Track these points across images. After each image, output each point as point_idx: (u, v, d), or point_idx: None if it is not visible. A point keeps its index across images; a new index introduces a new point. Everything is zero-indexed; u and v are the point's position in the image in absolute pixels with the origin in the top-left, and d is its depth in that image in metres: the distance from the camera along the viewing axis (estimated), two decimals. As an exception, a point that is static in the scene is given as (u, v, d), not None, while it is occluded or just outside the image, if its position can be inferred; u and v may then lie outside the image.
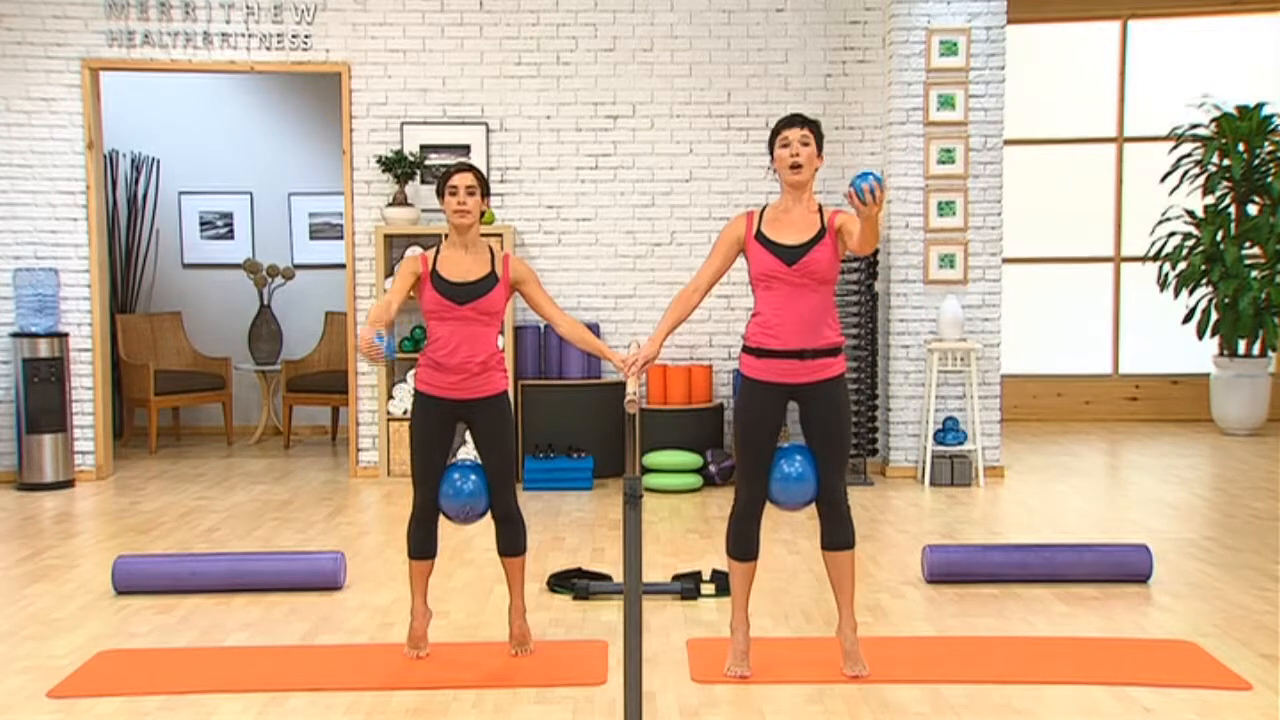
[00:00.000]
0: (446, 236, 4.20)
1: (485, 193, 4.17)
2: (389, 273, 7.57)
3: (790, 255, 3.88)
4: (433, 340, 4.12)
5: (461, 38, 7.76)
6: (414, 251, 7.48)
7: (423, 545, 4.20)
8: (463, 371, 4.09)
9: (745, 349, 4.02)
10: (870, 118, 7.82)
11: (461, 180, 4.10)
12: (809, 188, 3.96)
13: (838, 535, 3.99)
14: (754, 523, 4.01)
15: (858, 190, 3.55)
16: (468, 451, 7.16)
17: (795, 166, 3.89)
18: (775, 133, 3.94)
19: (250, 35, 7.67)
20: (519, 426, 7.42)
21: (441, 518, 4.21)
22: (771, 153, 3.96)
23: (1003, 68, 7.59)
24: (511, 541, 4.22)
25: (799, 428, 4.08)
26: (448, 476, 4.15)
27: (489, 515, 4.22)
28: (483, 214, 4.17)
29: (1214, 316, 9.23)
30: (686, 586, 4.97)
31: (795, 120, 3.94)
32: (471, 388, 4.11)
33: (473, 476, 4.14)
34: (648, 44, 7.81)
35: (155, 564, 5.13)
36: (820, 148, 3.95)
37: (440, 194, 4.13)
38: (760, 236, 3.94)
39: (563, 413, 7.51)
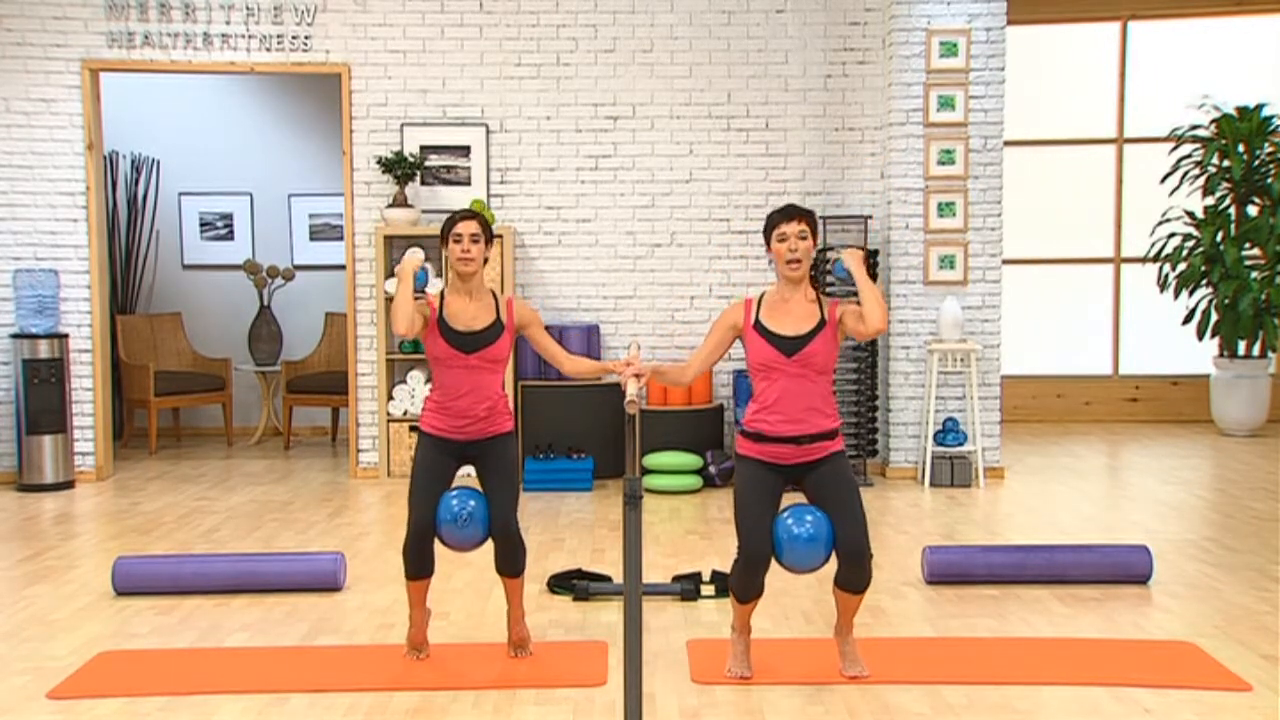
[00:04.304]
0: (449, 283, 4.22)
1: (489, 240, 4.20)
2: (389, 274, 7.57)
3: (789, 346, 3.88)
4: (439, 386, 4.16)
5: (461, 39, 7.77)
6: (415, 252, 7.46)
7: (420, 565, 4.16)
8: (469, 416, 4.14)
9: (742, 432, 4.00)
10: (870, 119, 7.82)
11: (465, 228, 4.14)
12: (806, 278, 3.99)
13: (855, 581, 3.91)
14: (759, 576, 3.92)
15: (840, 272, 4.00)
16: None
17: (794, 262, 3.91)
18: (772, 225, 3.95)
19: (250, 36, 7.67)
20: (520, 427, 7.42)
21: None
22: (768, 243, 3.97)
23: (1003, 69, 7.59)
24: (510, 563, 4.19)
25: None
26: (446, 502, 4.13)
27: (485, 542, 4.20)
28: (485, 261, 4.20)
29: (1214, 317, 9.23)
30: (686, 587, 4.97)
31: (792, 214, 3.93)
32: (477, 431, 4.16)
33: (471, 503, 4.13)
34: (648, 45, 7.81)
35: (155, 565, 5.14)
36: (815, 237, 3.97)
37: (444, 240, 4.18)
38: (759, 326, 3.94)
39: (563, 413, 7.51)
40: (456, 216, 4.18)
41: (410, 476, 4.19)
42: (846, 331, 3.92)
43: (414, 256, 4.12)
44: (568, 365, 4.25)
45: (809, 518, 3.87)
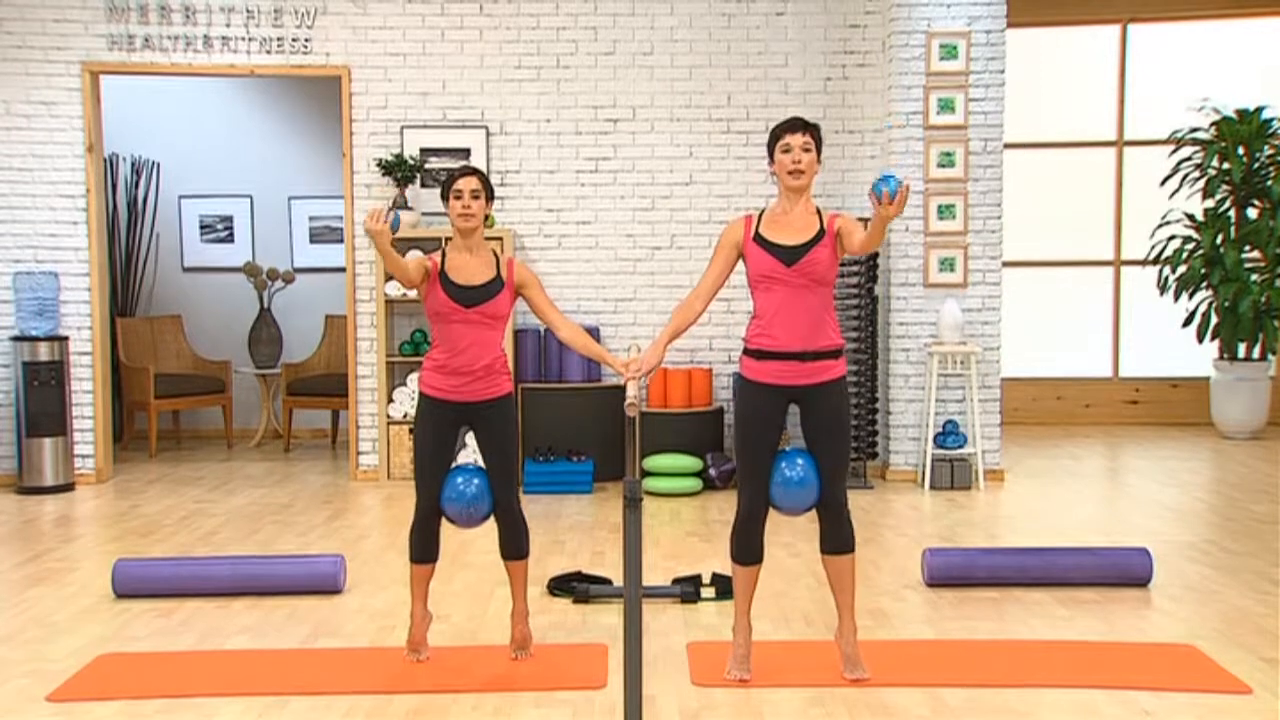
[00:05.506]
0: (450, 240, 4.22)
1: (490, 196, 4.20)
2: (389, 276, 7.57)
3: (790, 255, 3.88)
4: (438, 343, 4.15)
5: (461, 41, 7.77)
6: (415, 255, 7.47)
7: (425, 549, 4.20)
8: (468, 374, 4.11)
9: (745, 351, 4.03)
10: (870, 121, 7.82)
11: (466, 184, 4.14)
12: (808, 192, 3.97)
13: (838, 539, 3.99)
14: (757, 527, 4.00)
15: (879, 193, 3.58)
16: (467, 455, 7.16)
17: (796, 172, 3.90)
18: (776, 137, 3.95)
19: (250, 39, 7.67)
20: (520, 429, 7.41)
21: (444, 520, 4.22)
22: (771, 156, 3.96)
23: (1003, 71, 7.60)
24: (514, 544, 4.22)
25: (798, 430, 4.09)
26: (451, 480, 4.16)
27: (491, 519, 4.22)
28: (486, 218, 4.20)
29: (1214, 320, 9.23)
30: (687, 590, 4.97)
31: (797, 125, 3.93)
32: (477, 390, 4.13)
33: (475, 480, 4.15)
34: (648, 48, 7.81)
35: (155, 567, 5.13)
36: (820, 152, 3.96)
37: (445, 197, 4.18)
38: (759, 238, 3.94)
39: (563, 416, 7.52)
40: (456, 173, 4.18)
41: (414, 455, 4.20)
42: (844, 245, 3.89)
43: (376, 210, 3.89)
44: (564, 331, 4.19)
45: (799, 461, 3.95)
